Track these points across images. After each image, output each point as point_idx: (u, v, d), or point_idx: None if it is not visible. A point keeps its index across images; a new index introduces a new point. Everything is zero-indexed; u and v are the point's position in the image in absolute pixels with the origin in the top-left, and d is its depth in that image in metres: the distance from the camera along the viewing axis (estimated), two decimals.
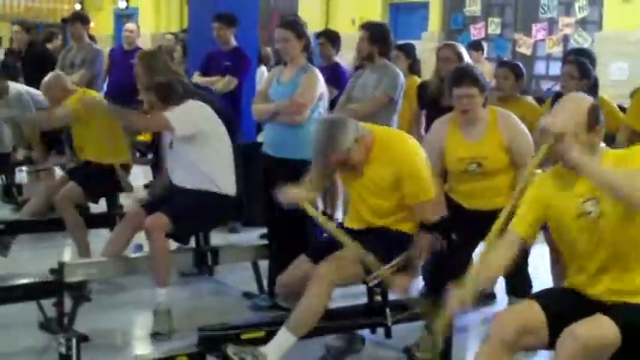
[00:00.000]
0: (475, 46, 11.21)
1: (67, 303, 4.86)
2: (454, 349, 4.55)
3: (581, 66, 5.43)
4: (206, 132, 5.22)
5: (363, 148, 4.26)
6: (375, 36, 6.03)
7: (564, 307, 3.34)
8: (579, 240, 3.38)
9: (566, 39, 13.53)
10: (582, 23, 13.51)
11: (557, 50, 13.62)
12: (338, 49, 7.76)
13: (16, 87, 7.79)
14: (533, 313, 3.34)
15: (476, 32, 14.67)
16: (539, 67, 14.31)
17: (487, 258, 3.52)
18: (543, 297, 3.54)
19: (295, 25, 5.41)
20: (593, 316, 3.21)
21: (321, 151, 4.28)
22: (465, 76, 4.73)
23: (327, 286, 4.06)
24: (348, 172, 4.42)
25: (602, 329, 3.17)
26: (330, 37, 7.74)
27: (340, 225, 4.60)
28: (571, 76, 5.41)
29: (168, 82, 5.23)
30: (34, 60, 8.88)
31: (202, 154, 5.20)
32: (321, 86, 5.37)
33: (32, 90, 7.67)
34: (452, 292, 3.43)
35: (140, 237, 5.34)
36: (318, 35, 7.67)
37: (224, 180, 5.29)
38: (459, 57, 6.01)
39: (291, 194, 4.40)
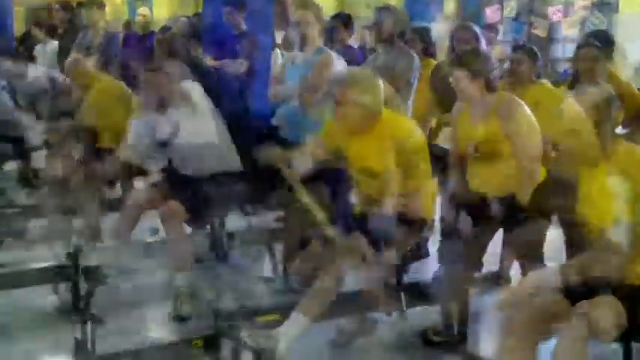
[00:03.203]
0: (489, 28, 11.13)
1: (83, 287, 4.90)
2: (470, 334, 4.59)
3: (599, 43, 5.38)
4: (201, 108, 5.26)
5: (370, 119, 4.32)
6: (397, 19, 6.03)
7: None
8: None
9: (583, 21, 13.44)
10: (598, 5, 13.41)
11: (574, 32, 13.52)
12: (352, 33, 7.72)
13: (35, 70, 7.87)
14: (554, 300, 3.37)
15: (491, 15, 14.56)
16: (556, 50, 14.23)
17: None
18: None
19: (312, 7, 5.41)
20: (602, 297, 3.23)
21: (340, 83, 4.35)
22: (456, 60, 4.73)
23: (339, 268, 4.07)
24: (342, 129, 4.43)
25: (610, 309, 3.19)
26: (344, 21, 7.71)
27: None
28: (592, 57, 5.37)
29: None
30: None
31: (204, 133, 5.22)
32: (336, 68, 5.35)
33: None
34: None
35: (156, 220, 5.36)
36: (332, 18, 7.64)
37: (228, 157, 5.34)
38: (476, 38, 5.98)
39: (271, 152, 4.49)
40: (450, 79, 4.79)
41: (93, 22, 8.58)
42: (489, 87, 4.63)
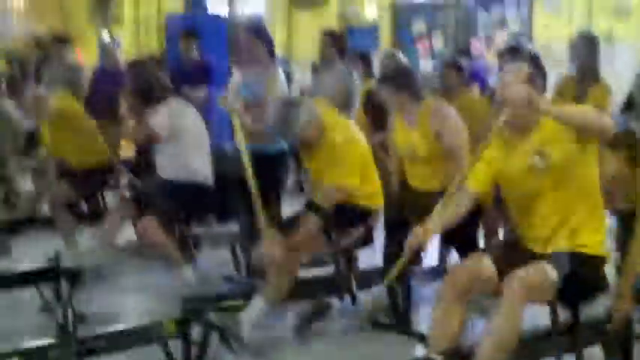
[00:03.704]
0: None
1: (65, 289, 4.83)
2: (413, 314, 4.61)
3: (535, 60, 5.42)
4: (183, 127, 5.26)
5: (316, 130, 4.34)
6: (335, 41, 6.10)
7: (510, 257, 3.36)
8: (528, 194, 3.41)
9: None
10: (515, 37, 13.62)
11: (495, 62, 13.71)
12: None
13: None
14: (483, 264, 3.36)
15: (422, 47, 14.79)
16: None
17: (443, 208, 3.52)
18: (492, 250, 3.59)
19: (259, 30, 5.44)
20: (534, 263, 3.25)
21: (279, 128, 4.37)
22: (380, 78, 4.98)
23: (295, 256, 4.07)
24: (303, 150, 4.45)
25: (543, 273, 3.22)
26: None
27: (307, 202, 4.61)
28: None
29: (150, 87, 5.28)
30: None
31: (181, 147, 5.24)
32: (283, 85, 5.40)
33: None
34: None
35: None
36: None
37: (201, 170, 5.33)
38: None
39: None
40: (382, 94, 4.89)
41: (59, 56, 8.45)
42: (415, 97, 4.73)
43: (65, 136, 6.12)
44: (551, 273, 3.22)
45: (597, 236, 3.38)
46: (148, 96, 5.27)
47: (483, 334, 3.18)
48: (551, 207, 3.37)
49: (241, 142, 4.61)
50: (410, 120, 4.78)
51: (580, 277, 3.30)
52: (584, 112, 3.31)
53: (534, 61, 5.34)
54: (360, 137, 4.53)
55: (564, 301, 3.46)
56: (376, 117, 5.98)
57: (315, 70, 6.86)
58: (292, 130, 4.29)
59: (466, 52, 9.89)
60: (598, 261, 3.39)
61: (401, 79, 4.76)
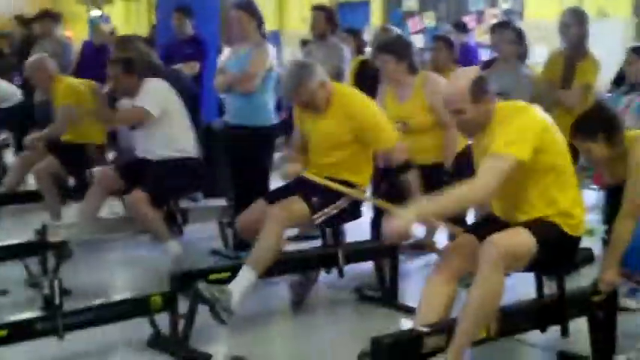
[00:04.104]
0: None
1: (51, 262, 4.82)
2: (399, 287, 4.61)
3: (517, 31, 5.41)
4: (168, 106, 5.27)
5: (326, 92, 4.29)
6: (329, 16, 6.09)
7: (491, 230, 3.34)
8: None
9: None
10: (506, 14, 13.60)
11: (486, 38, 13.68)
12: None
13: None
14: (470, 242, 3.37)
15: (412, 25, 14.69)
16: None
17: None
18: (475, 227, 3.59)
19: (248, 6, 5.42)
20: (511, 228, 3.26)
21: (289, 88, 4.31)
22: (380, 46, 4.87)
23: (279, 224, 4.07)
24: (310, 114, 4.40)
25: (518, 237, 3.22)
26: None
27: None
28: (509, 40, 5.36)
29: (134, 57, 5.25)
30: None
31: (167, 125, 5.22)
32: (272, 59, 5.38)
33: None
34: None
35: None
36: None
37: (187, 145, 5.32)
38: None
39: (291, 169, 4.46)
40: (377, 64, 4.87)
41: (47, 32, 8.38)
42: (412, 69, 4.73)
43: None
44: (527, 236, 3.21)
45: (566, 217, 3.35)
46: (131, 67, 5.24)
47: (464, 303, 3.17)
48: (512, 192, 3.35)
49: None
50: (403, 92, 4.77)
51: (555, 245, 3.29)
52: (456, 199, 3.24)
53: (518, 35, 5.41)
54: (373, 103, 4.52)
55: (544, 270, 3.47)
56: (366, 92, 5.95)
57: (304, 45, 6.82)
58: (306, 90, 4.23)
59: (462, 26, 9.83)
60: (569, 235, 3.37)
61: (401, 49, 4.74)
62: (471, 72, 3.43)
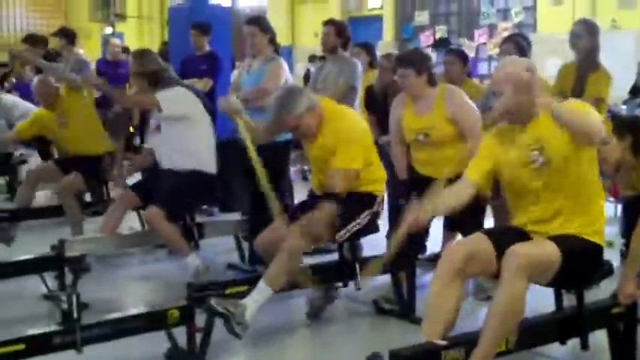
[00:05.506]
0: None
1: (68, 277, 4.83)
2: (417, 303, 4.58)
3: (517, 44, 5.43)
4: (191, 115, 5.20)
5: (314, 118, 4.27)
6: (339, 30, 6.06)
7: (511, 239, 3.32)
8: (526, 186, 3.39)
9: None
10: (518, 27, 13.61)
11: (498, 51, 13.69)
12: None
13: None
14: (481, 243, 3.33)
15: (424, 39, 14.72)
16: (482, 68, 14.40)
17: (444, 193, 3.50)
18: (491, 232, 3.56)
19: (260, 21, 5.44)
20: (535, 239, 3.24)
21: (276, 114, 4.30)
22: (401, 60, 4.84)
23: (299, 242, 4.05)
24: (303, 140, 4.42)
25: (543, 248, 3.20)
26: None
27: (310, 191, 4.59)
28: (509, 53, 5.41)
29: (159, 70, 5.23)
30: None
31: (188, 135, 5.17)
32: (286, 74, 5.38)
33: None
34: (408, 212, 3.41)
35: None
36: None
37: (207, 159, 5.27)
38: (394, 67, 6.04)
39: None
40: (395, 78, 4.87)
41: (66, 50, 8.41)
42: (431, 81, 4.73)
43: (73, 125, 6.14)
44: (552, 249, 3.19)
45: (593, 227, 3.35)
46: (156, 78, 5.21)
47: (486, 314, 3.14)
48: (548, 199, 3.35)
49: (247, 139, 4.56)
50: (423, 105, 4.75)
51: (580, 259, 3.27)
52: (584, 117, 3.23)
53: (518, 48, 5.42)
54: (361, 123, 4.50)
55: (567, 285, 3.44)
56: (378, 108, 5.93)
57: (312, 61, 6.81)
58: (292, 117, 4.23)
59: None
60: (595, 248, 3.36)
61: (420, 62, 4.74)
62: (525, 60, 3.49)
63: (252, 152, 4.52)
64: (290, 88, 4.60)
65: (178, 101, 5.15)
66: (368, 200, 4.32)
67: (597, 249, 3.37)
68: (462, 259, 3.25)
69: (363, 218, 4.28)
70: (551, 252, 3.19)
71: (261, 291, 3.96)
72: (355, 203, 4.26)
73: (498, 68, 3.47)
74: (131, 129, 8.29)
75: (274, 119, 4.34)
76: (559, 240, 3.24)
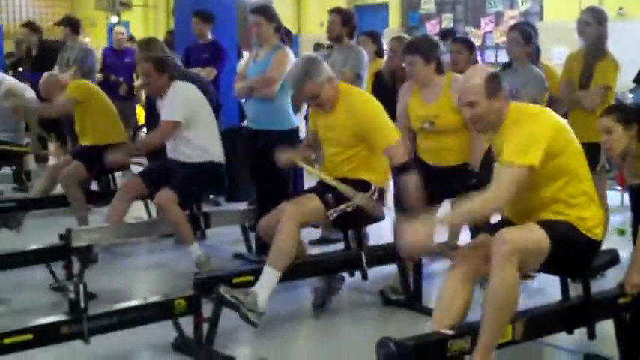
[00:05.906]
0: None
1: (76, 267, 4.84)
2: (423, 290, 4.59)
3: (523, 32, 5.39)
4: (197, 110, 5.28)
5: (332, 88, 4.31)
6: (345, 19, 6.03)
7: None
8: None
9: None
10: (525, 15, 13.56)
11: (504, 40, 13.64)
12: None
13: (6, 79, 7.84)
14: (487, 243, 3.30)
15: (431, 28, 14.67)
16: (489, 56, 14.36)
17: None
18: (495, 229, 3.55)
19: (266, 10, 5.42)
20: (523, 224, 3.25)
21: (296, 82, 4.31)
22: (409, 47, 4.79)
23: (293, 220, 4.06)
24: (318, 110, 4.43)
25: (529, 232, 3.18)
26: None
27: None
28: (516, 42, 5.37)
29: (164, 57, 5.26)
30: (50, 57, 8.62)
31: (194, 129, 5.24)
32: (291, 62, 5.36)
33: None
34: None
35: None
36: None
37: (214, 149, 5.35)
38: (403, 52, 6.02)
39: (286, 156, 4.51)
40: (404, 65, 4.84)
41: (70, 38, 8.39)
42: (439, 69, 4.70)
43: (82, 115, 6.14)
44: (538, 231, 3.18)
45: (587, 221, 3.32)
46: (162, 66, 5.25)
47: (481, 305, 3.13)
48: (534, 198, 3.32)
49: (319, 174, 4.46)
50: (430, 93, 4.73)
51: (571, 242, 3.25)
52: (472, 209, 3.22)
53: (524, 36, 5.39)
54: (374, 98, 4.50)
55: (565, 272, 3.43)
56: (387, 95, 5.92)
57: (318, 49, 6.77)
58: (314, 83, 4.23)
59: None
60: (587, 238, 3.33)
61: (429, 49, 4.71)
62: (487, 68, 3.43)
63: (339, 185, 4.28)
64: (311, 56, 4.60)
65: (181, 104, 5.23)
66: (362, 187, 4.30)
67: (588, 237, 3.34)
68: (474, 264, 3.28)
69: (358, 201, 4.24)
70: (537, 234, 3.18)
71: (267, 274, 3.96)
72: (358, 190, 4.26)
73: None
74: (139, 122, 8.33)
75: (295, 85, 4.35)
76: (546, 223, 3.23)
